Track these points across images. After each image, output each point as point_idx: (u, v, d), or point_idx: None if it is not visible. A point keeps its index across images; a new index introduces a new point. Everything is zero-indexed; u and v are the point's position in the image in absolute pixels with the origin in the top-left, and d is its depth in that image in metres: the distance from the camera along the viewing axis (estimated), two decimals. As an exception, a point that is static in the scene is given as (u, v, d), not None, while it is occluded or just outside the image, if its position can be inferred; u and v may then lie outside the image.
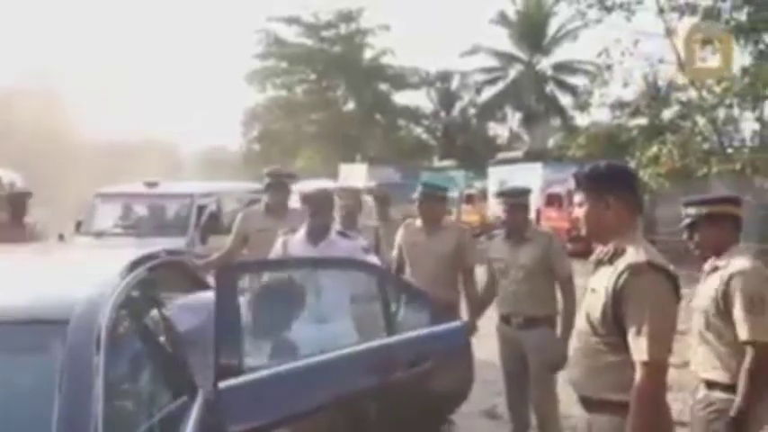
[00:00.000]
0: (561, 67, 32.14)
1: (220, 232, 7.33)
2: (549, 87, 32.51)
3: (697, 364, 2.76)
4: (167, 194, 8.78)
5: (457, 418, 3.66)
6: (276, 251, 3.85)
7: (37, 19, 51.71)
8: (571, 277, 3.70)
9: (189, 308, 2.69)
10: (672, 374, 2.60)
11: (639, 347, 1.97)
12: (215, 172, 26.04)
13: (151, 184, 8.69)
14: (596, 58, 11.91)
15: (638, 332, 1.98)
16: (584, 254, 6.71)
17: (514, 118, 33.91)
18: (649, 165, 10.67)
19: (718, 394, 2.63)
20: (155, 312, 2.39)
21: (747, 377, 2.50)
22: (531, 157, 20.50)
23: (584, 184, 2.24)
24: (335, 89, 34.29)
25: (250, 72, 33.15)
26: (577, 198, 2.28)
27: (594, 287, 2.16)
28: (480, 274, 4.07)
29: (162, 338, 2.30)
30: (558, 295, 3.71)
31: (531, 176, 16.26)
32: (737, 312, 2.54)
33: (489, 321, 4.01)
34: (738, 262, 2.62)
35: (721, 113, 10.88)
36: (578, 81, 28.23)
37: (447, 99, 35.30)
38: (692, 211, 2.81)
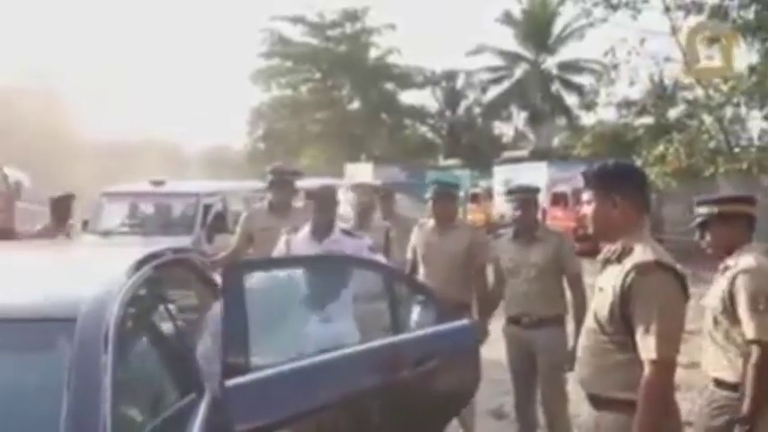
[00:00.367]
0: (567, 66, 32.09)
1: (226, 231, 7.35)
2: (555, 86, 32.47)
3: (707, 364, 2.75)
4: (173, 193, 8.81)
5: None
6: (279, 250, 3.83)
7: (39, 17, 51.86)
8: (581, 276, 3.69)
9: None
10: (680, 374, 2.60)
11: (647, 346, 1.97)
12: (220, 171, 26.09)
13: (157, 183, 8.72)
14: (602, 57, 11.89)
15: (646, 330, 1.98)
16: (590, 253, 6.64)
17: (520, 117, 33.93)
18: (656, 164, 10.65)
19: (723, 392, 2.63)
20: (162, 310, 2.39)
21: (753, 376, 2.49)
22: (536, 156, 20.49)
23: (593, 182, 2.25)
24: (341, 88, 34.32)
25: (255, 71, 33.27)
26: (586, 196, 2.28)
27: (602, 286, 2.17)
28: (486, 273, 4.06)
29: (169, 336, 2.30)
30: (568, 295, 3.70)
31: (537, 175, 16.22)
32: (743, 311, 2.54)
33: (495, 321, 3.99)
34: (745, 260, 2.61)
35: (728, 112, 10.85)
36: (584, 80, 28.22)
37: (452, 98, 35.29)
38: (703, 210, 2.80)
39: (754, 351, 2.49)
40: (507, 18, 32.09)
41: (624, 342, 2.06)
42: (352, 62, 32.25)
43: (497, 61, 33.25)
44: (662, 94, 12.45)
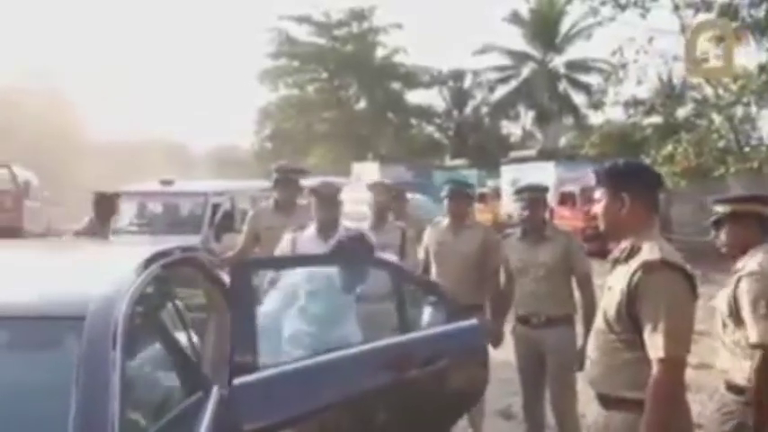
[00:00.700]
0: (574, 66, 31.97)
1: (234, 230, 7.37)
2: (563, 86, 32.35)
3: (720, 365, 2.74)
4: (182, 193, 8.86)
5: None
6: (283, 249, 3.80)
7: (44, 17, 52.12)
8: (590, 276, 3.68)
9: None
10: (690, 375, 2.58)
11: (655, 344, 1.96)
12: (227, 170, 26.14)
13: (166, 183, 8.75)
14: (610, 57, 11.85)
15: (654, 329, 1.97)
16: (599, 253, 6.66)
17: (527, 116, 33.80)
18: (664, 163, 10.61)
19: (732, 396, 2.61)
20: (170, 309, 2.39)
21: (756, 381, 2.46)
22: (543, 155, 20.40)
23: (603, 180, 2.24)
24: (347, 88, 34.34)
25: (262, 71, 33.34)
26: (597, 194, 2.28)
27: (611, 285, 2.17)
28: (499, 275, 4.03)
29: (177, 335, 2.30)
30: (577, 294, 3.68)
31: (544, 175, 16.13)
32: (746, 314, 2.52)
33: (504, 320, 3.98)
34: (751, 263, 2.59)
35: (738, 111, 10.79)
36: (592, 79, 28.13)
37: (459, 98, 35.23)
38: (718, 208, 2.80)
39: (757, 356, 2.47)
40: (515, 17, 32.00)
41: (632, 341, 2.05)
42: (359, 62, 32.25)
43: (505, 61, 33.17)
44: (670, 94, 12.37)
